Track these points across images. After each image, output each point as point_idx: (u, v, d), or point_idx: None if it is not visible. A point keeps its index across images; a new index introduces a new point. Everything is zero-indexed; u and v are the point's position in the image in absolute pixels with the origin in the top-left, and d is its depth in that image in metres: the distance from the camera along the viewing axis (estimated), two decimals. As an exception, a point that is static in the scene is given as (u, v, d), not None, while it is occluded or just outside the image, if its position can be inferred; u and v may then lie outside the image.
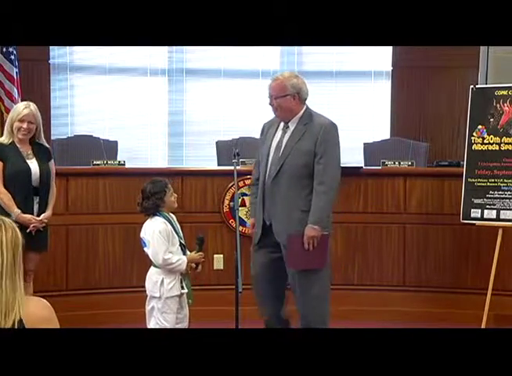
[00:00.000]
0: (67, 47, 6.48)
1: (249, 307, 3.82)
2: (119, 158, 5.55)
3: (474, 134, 4.88)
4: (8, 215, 3.93)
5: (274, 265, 3.83)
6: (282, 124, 3.86)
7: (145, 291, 3.87)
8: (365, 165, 5.78)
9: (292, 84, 3.78)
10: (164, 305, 3.77)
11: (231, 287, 3.77)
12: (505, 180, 4.75)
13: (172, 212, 3.92)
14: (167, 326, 3.75)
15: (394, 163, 5.33)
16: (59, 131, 6.47)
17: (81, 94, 6.67)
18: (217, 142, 6.05)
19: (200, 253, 3.91)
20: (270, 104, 3.84)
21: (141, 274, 4.09)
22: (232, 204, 5.02)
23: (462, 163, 5.06)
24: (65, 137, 6.29)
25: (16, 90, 5.67)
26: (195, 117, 6.81)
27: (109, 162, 5.21)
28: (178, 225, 3.91)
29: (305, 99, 3.84)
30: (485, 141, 4.85)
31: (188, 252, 3.89)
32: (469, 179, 4.85)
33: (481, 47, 6.22)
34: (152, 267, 3.83)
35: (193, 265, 3.89)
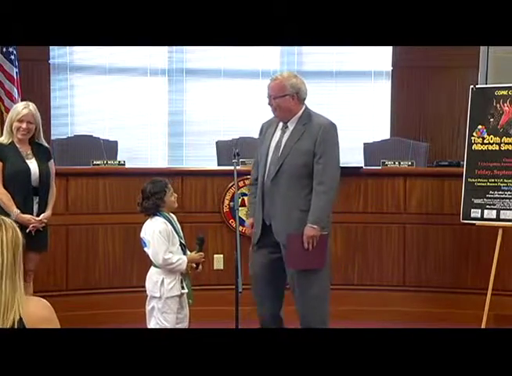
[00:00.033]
0: (67, 47, 6.49)
1: (249, 307, 3.82)
2: (119, 158, 5.55)
3: (474, 134, 4.88)
4: (7, 215, 3.92)
5: (273, 265, 3.83)
6: (281, 124, 3.86)
7: (145, 291, 3.87)
8: (365, 165, 5.78)
9: (291, 84, 3.78)
10: (164, 305, 3.77)
11: (231, 287, 3.77)
12: (505, 180, 4.75)
13: (172, 212, 3.92)
14: (168, 326, 3.76)
15: (394, 163, 5.33)
16: (59, 131, 6.47)
17: (81, 94, 6.67)
18: (217, 142, 6.06)
19: (201, 253, 3.92)
20: (269, 104, 3.83)
21: (141, 274, 4.09)
22: (232, 204, 5.02)
23: (462, 163, 5.06)
24: (65, 137, 6.29)
25: (16, 90, 5.67)
26: (195, 117, 6.81)
27: (109, 162, 5.21)
28: (179, 225, 3.91)
29: (304, 99, 3.84)
30: (485, 141, 4.85)
31: (188, 252, 3.89)
32: (469, 179, 4.85)
33: (481, 47, 6.22)
34: (152, 267, 3.83)
35: (194, 265, 3.89)
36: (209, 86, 6.79)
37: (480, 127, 4.86)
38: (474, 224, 4.85)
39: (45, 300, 2.02)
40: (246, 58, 6.72)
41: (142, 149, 6.73)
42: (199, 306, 4.04)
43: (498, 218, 4.74)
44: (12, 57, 5.68)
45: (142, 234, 3.85)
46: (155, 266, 3.81)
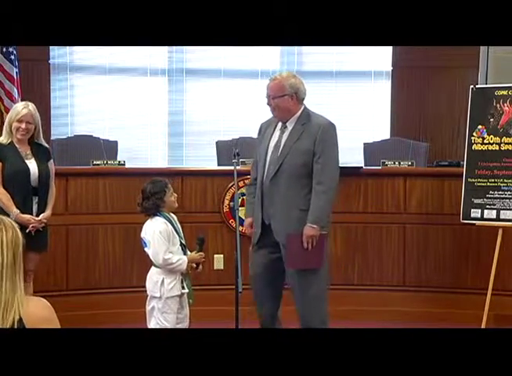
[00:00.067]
0: (67, 47, 6.48)
1: (249, 307, 3.82)
2: (119, 158, 5.55)
3: (474, 134, 4.88)
4: (7, 215, 3.92)
5: (273, 265, 3.83)
6: (280, 124, 3.86)
7: (145, 291, 3.87)
8: (366, 165, 5.78)
9: (290, 84, 3.78)
10: (164, 305, 3.77)
11: (231, 287, 3.77)
12: (505, 180, 4.75)
13: (173, 212, 3.92)
14: (168, 326, 3.75)
15: (394, 163, 5.33)
16: (59, 132, 6.47)
17: (81, 94, 6.67)
18: (217, 142, 6.06)
19: (201, 253, 3.91)
20: (268, 104, 3.84)
21: (141, 274, 4.09)
22: (232, 204, 5.02)
23: (462, 163, 5.06)
24: (65, 137, 6.29)
25: (16, 90, 5.68)
26: (195, 117, 6.81)
27: (109, 162, 5.21)
28: (179, 225, 3.91)
29: (303, 99, 3.84)
30: (485, 141, 4.85)
31: (188, 252, 3.89)
32: (469, 179, 4.85)
33: (481, 47, 6.22)
34: (152, 267, 3.83)
35: (194, 265, 3.89)
36: (209, 86, 6.79)
37: (480, 127, 4.86)
38: (474, 224, 4.85)
39: (45, 300, 2.02)
40: (246, 58, 6.72)
41: (142, 149, 6.73)
42: (199, 306, 4.04)
43: (498, 218, 4.74)
44: (12, 57, 5.68)
45: (143, 234, 3.85)
46: (155, 266, 3.81)
